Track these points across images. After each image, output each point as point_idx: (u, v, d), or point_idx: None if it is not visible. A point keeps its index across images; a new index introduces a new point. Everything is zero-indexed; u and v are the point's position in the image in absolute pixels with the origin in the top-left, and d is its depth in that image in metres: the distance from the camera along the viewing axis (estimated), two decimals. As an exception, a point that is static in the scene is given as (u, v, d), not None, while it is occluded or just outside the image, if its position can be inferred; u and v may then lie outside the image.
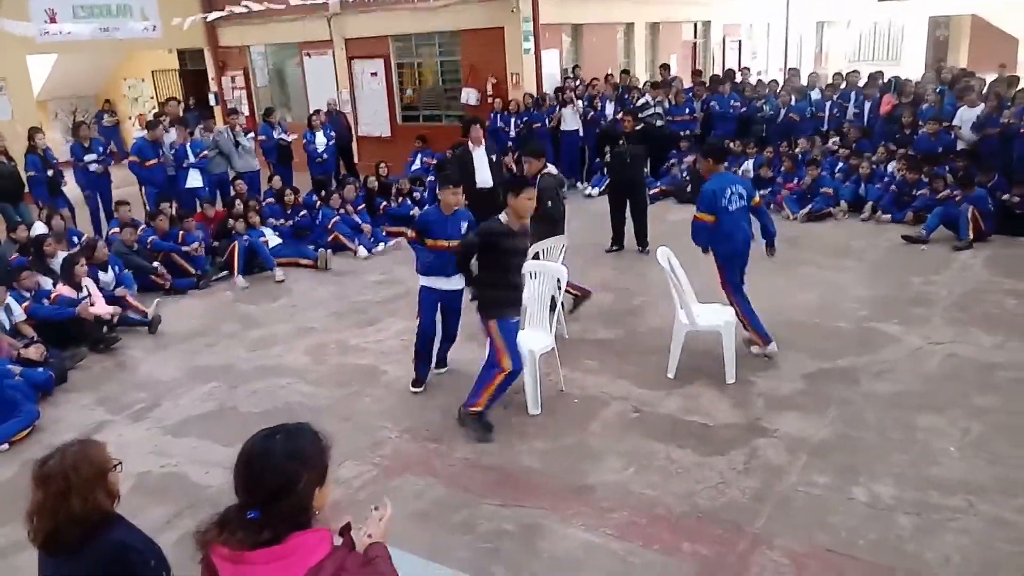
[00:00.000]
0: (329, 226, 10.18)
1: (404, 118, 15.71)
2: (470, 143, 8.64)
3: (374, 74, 15.68)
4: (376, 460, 4.98)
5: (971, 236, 8.89)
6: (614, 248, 9.48)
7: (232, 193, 11.03)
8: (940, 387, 5.53)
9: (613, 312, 7.46)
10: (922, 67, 23.51)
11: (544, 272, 5.86)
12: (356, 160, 14.71)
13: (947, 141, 10.64)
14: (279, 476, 1.90)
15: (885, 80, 13.07)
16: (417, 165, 13.19)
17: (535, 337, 5.67)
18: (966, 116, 10.52)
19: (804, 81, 13.80)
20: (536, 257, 6.42)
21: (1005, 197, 9.33)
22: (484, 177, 8.58)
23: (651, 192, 10.84)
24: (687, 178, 12.37)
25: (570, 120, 13.31)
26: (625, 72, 14.84)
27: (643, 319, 7.15)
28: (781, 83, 13.64)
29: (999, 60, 14.90)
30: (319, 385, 6.19)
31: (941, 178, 9.91)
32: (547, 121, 13.23)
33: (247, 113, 17.03)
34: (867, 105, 12.27)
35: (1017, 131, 9.73)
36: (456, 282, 5.78)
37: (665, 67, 15.15)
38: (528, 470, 4.78)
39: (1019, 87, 11.21)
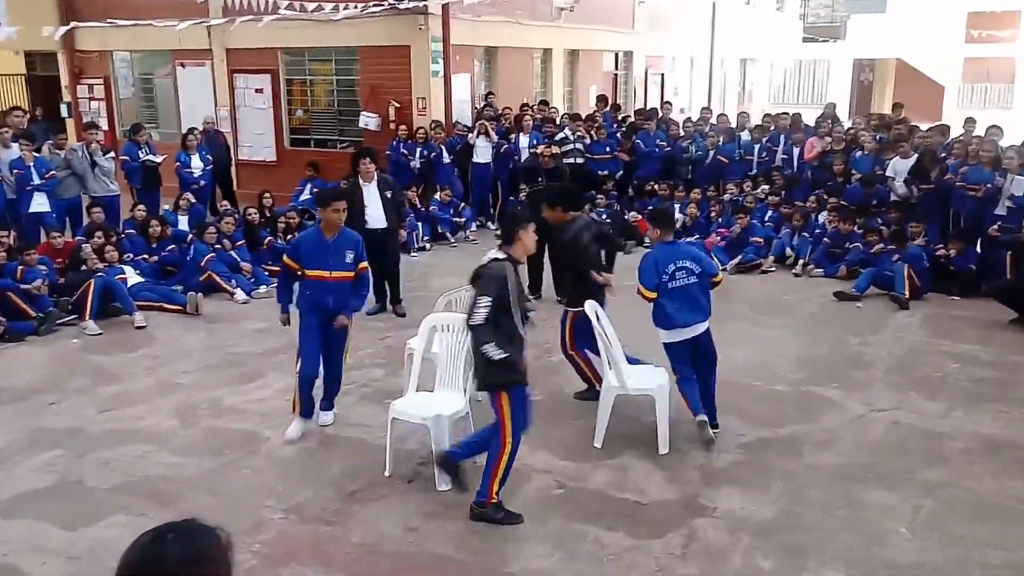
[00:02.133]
0: (202, 263, 9.81)
1: (293, 142, 15.50)
2: (360, 178, 8.49)
3: (259, 91, 15.43)
4: (256, 547, 4.68)
5: (907, 294, 9.32)
6: (532, 297, 9.43)
7: (86, 221, 10.52)
8: (886, 459, 5.67)
9: (532, 371, 7.18)
10: (846, 110, 24.97)
11: (458, 326, 5.73)
12: (235, 187, 14.35)
13: (880, 193, 11.20)
14: None
15: (816, 122, 13.68)
16: (306, 195, 12.93)
17: (445, 399, 5.54)
18: (899, 167, 11.11)
19: (733, 122, 14.33)
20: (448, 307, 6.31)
21: (940, 252, 9.85)
22: (376, 216, 8.42)
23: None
24: (605, 219, 12.55)
25: (483, 152, 13.38)
26: (544, 103, 15.08)
27: (566, 378, 7.10)
28: (698, 121, 14.13)
29: (923, 106, 15.92)
30: (187, 454, 5.85)
31: (875, 231, 10.40)
32: (445, 154, 13.18)
33: (106, 128, 16.36)
34: (795, 151, 12.84)
35: (953, 185, 10.31)
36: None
37: (602, 99, 15.48)
38: (439, 557, 4.59)
39: (951, 137, 11.97)
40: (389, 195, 8.54)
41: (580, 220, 6.61)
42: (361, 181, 8.48)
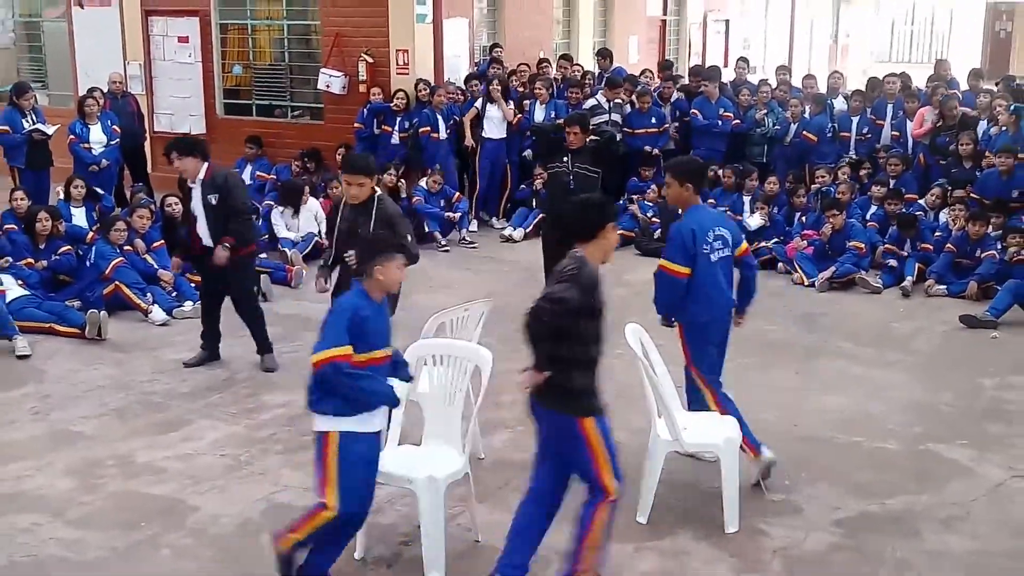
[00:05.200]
0: (107, 272, 9.87)
1: (228, 109, 15.62)
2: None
3: (184, 39, 15.53)
4: (182, 653, 4.71)
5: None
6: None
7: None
8: (1036, 543, 5.69)
9: None
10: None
11: (456, 356, 5.78)
12: (150, 169, 14.45)
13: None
14: None
15: (927, 86, 13.76)
16: (247, 180, 13.02)
17: (439, 457, 5.57)
18: (1050, 147, 11.18)
19: (823, 86, 14.41)
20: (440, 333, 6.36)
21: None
22: (204, 230, 8.25)
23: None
24: (652, 218, 12.63)
25: (495, 125, 13.48)
26: (566, 58, 15.16)
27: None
28: (777, 85, 14.24)
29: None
30: (89, 527, 5.90)
31: (1017, 232, 10.43)
32: (443, 125, 13.33)
33: (-26, 88, 16.51)
34: (909, 125, 12.92)
35: None
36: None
37: (605, 53, 15.53)
38: (428, 670, 4.62)
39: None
40: (214, 200, 8.16)
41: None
42: (188, 181, 8.28)
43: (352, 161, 7.53)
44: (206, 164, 8.21)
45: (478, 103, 13.55)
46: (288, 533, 4.99)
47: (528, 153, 13.23)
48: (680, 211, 6.43)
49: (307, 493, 6.20)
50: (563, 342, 4.79)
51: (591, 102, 13.44)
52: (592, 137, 9.59)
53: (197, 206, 8.23)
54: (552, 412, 4.92)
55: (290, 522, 5.05)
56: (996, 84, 14.36)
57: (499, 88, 13.49)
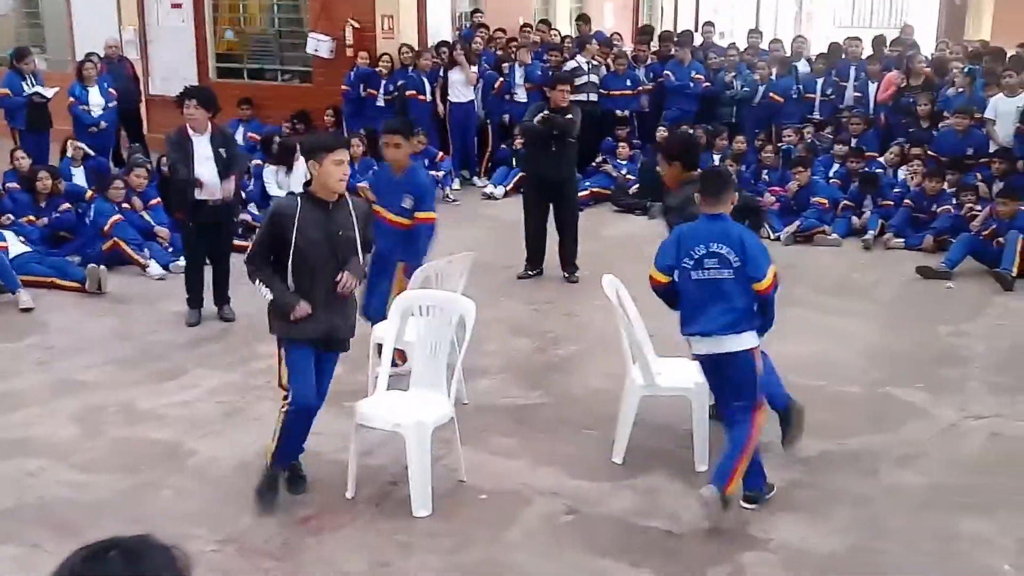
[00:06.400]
0: (106, 228, 9.85)
1: (220, 72, 15.51)
2: (188, 127, 8.06)
3: (176, 5, 15.41)
4: (183, 587, 4.73)
5: (1015, 272, 9.40)
6: (530, 273, 9.52)
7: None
8: (985, 479, 5.76)
9: (533, 367, 7.47)
10: (933, 39, 25.01)
11: (441, 307, 5.79)
12: (145, 131, 14.42)
13: (979, 139, 11.30)
14: None
15: (889, 49, 13.77)
16: (239, 142, 12.94)
17: (425, 402, 5.61)
18: (1002, 108, 11.22)
19: (788, 50, 14.38)
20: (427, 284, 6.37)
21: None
22: (211, 182, 8.00)
23: (579, 195, 10.98)
24: (627, 175, 12.62)
25: (460, 89, 13.46)
26: (544, 23, 15.09)
27: (576, 377, 7.18)
28: (745, 49, 14.25)
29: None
30: (92, 470, 5.91)
31: (971, 189, 10.47)
32: (428, 88, 13.28)
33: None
34: (871, 87, 12.93)
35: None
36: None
37: (584, 19, 15.48)
38: (416, 601, 4.68)
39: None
40: (224, 152, 8.10)
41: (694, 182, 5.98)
42: (190, 132, 8.06)
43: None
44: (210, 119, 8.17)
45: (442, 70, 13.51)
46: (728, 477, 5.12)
47: (507, 117, 13.30)
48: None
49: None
50: None
51: (571, 64, 13.40)
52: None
53: (204, 157, 8.04)
54: None
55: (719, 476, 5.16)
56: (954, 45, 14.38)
57: (461, 52, 13.44)
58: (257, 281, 5.29)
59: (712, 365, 5.37)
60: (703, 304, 5.22)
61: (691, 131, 12.41)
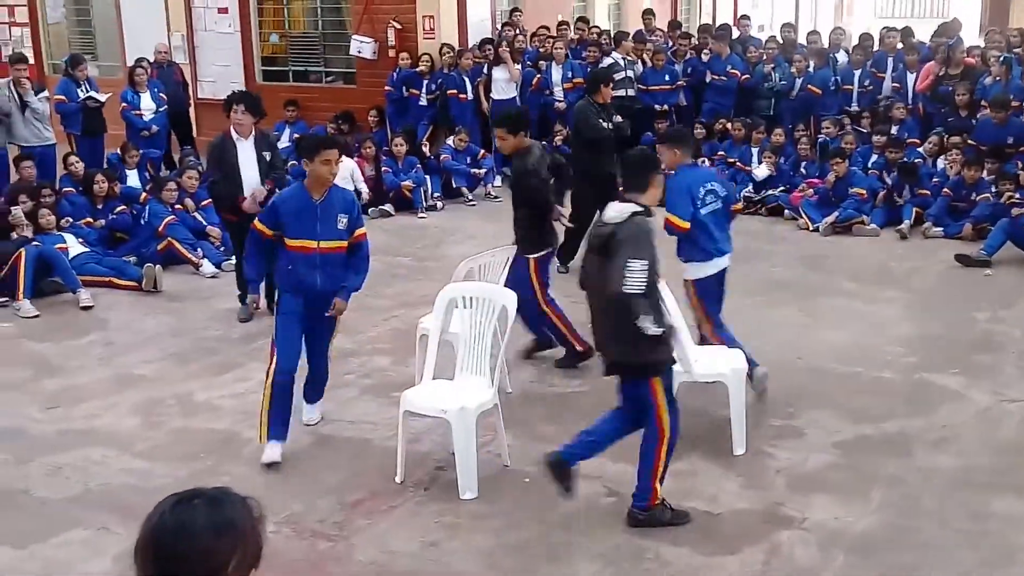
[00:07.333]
0: (160, 229, 10.06)
1: (266, 75, 15.69)
2: (233, 131, 8.25)
3: (223, 11, 15.61)
4: (243, 566, 4.94)
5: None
6: (562, 270, 9.42)
7: (14, 178, 10.77)
8: (1018, 460, 5.83)
9: None
10: (976, 29, 24.75)
11: (484, 298, 5.95)
12: (195, 134, 14.62)
13: (1019, 128, 11.25)
14: (204, 558, 2.02)
15: (931, 42, 13.71)
16: (285, 143, 13.18)
17: (469, 389, 5.76)
18: (1042, 95, 11.17)
19: (826, 41, 14.37)
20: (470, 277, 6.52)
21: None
22: (254, 185, 8.17)
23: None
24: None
25: (503, 86, 13.58)
26: (583, 20, 15.18)
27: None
28: (782, 42, 14.22)
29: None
30: (154, 459, 6.12)
31: (1010, 178, 10.47)
32: (469, 86, 13.44)
33: (31, 61, 16.64)
34: (909, 77, 12.89)
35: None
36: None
37: (649, 12, 15.55)
38: (464, 578, 4.85)
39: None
40: (268, 157, 8.33)
41: (536, 148, 7.34)
42: (234, 136, 8.22)
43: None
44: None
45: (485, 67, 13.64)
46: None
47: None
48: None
49: (349, 425, 6.48)
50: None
51: (608, 60, 13.47)
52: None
53: (249, 161, 8.23)
54: None
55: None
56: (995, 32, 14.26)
57: (507, 49, 13.56)
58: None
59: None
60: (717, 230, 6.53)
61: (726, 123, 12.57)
